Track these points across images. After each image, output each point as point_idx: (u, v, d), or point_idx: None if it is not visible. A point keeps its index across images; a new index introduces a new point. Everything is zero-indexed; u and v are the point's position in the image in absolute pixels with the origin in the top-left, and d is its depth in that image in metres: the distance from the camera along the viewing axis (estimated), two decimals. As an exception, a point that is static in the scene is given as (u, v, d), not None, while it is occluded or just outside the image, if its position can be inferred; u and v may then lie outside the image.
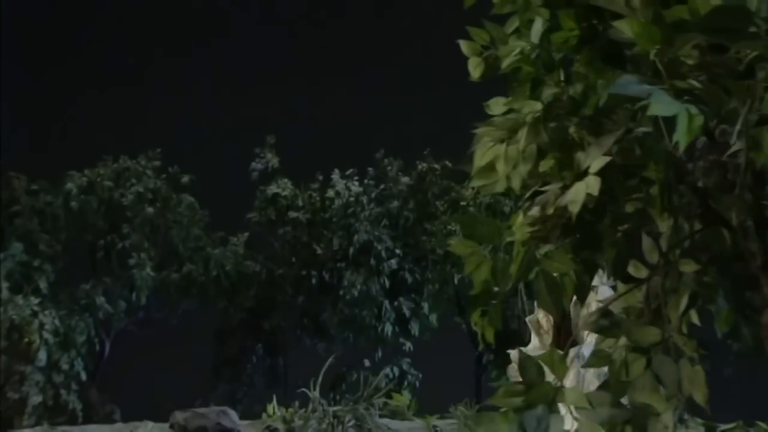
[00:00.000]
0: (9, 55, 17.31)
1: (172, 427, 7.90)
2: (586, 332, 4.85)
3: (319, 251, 15.69)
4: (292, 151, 16.88)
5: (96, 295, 15.40)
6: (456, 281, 15.67)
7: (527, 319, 5.17)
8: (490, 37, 2.20)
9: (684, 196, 1.91)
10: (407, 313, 15.34)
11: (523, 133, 1.97)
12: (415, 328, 15.43)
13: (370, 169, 16.06)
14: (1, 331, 14.17)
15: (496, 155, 2.00)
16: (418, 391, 15.20)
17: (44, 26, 18.97)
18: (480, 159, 2.03)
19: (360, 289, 15.16)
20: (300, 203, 16.12)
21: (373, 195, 15.60)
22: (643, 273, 1.94)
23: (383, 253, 15.26)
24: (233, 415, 7.99)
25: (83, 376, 15.47)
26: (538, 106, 2.00)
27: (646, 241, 1.93)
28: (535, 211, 1.81)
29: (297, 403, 8.46)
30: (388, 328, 15.24)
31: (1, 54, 16.73)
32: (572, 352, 4.87)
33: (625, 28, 1.69)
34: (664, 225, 1.93)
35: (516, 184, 2.02)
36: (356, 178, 16.13)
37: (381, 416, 7.84)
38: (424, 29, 18.48)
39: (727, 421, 10.74)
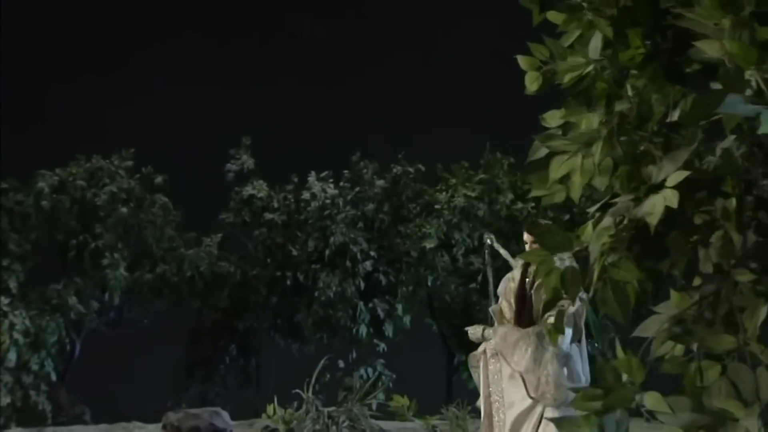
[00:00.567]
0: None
1: (164, 427, 7.92)
2: (545, 318, 4.84)
3: (294, 253, 15.73)
4: (266, 153, 16.90)
5: (68, 295, 15.24)
6: (429, 283, 15.84)
7: (491, 309, 5.24)
8: (549, 52, 2.31)
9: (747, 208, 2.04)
10: (381, 314, 15.46)
11: (598, 147, 2.07)
12: (389, 330, 15.56)
13: (345, 171, 16.16)
14: (-29, 331, 13.98)
15: (572, 168, 2.11)
16: (391, 392, 15.33)
17: (13, 20, 18.70)
18: (555, 171, 2.14)
19: (335, 291, 15.24)
20: (275, 205, 16.14)
21: (348, 197, 15.69)
22: (696, 281, 2.06)
23: (358, 255, 15.36)
24: (225, 415, 8.05)
25: (53, 377, 15.31)
26: (595, 120, 2.13)
27: (700, 251, 2.06)
28: (608, 222, 1.93)
29: (295, 404, 8.55)
30: (363, 330, 15.35)
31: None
32: (531, 330, 4.92)
33: (709, 48, 1.81)
34: (716, 235, 2.06)
35: (575, 194, 2.15)
36: (331, 180, 16.21)
37: (376, 417, 7.94)
38: (400, 34, 18.64)
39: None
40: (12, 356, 14.44)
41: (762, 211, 2.02)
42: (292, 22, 18.89)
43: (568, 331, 4.86)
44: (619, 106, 2.11)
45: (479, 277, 14.88)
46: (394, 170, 16.20)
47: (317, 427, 7.23)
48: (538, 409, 4.83)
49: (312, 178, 15.85)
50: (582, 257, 2.06)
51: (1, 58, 18.06)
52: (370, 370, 15.33)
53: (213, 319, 16.40)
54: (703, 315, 2.01)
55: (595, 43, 2.17)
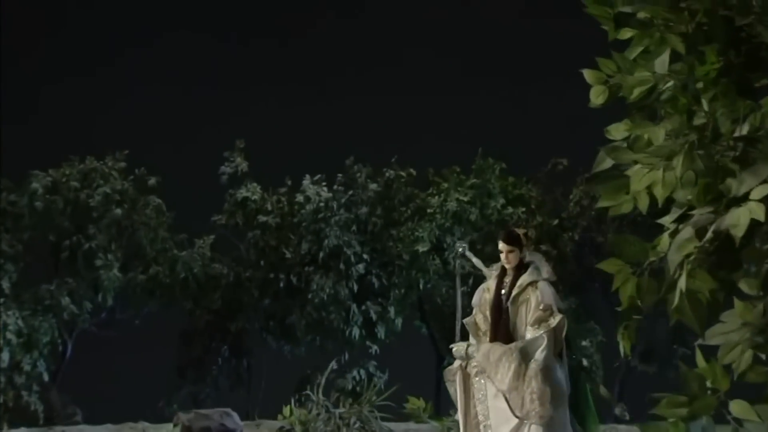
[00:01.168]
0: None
1: (175, 427, 8.02)
2: (525, 330, 4.83)
3: (287, 255, 15.84)
4: (259, 156, 17.00)
5: (61, 296, 15.25)
6: (421, 287, 16.03)
7: (465, 321, 5.13)
8: (616, 66, 2.42)
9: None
10: (374, 316, 15.62)
11: (679, 161, 2.17)
12: (381, 332, 15.71)
13: (339, 175, 16.29)
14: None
15: (654, 180, 2.23)
16: (383, 393, 15.50)
17: (4, 20, 18.65)
18: (638, 183, 2.27)
19: (328, 293, 15.38)
20: (269, 207, 16.24)
21: (342, 201, 15.83)
22: (754, 289, 2.21)
23: (352, 258, 15.51)
24: (236, 416, 8.17)
25: (45, 377, 15.31)
26: (661, 133, 2.27)
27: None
28: (688, 233, 2.08)
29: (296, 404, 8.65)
30: (356, 332, 15.49)
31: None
32: (514, 346, 4.82)
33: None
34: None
35: (643, 205, 2.30)
36: (324, 183, 16.34)
37: (386, 419, 8.09)
38: (394, 39, 18.81)
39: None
40: (5, 356, 14.44)
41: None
42: (287, 24, 19.01)
43: (551, 346, 4.80)
44: (696, 121, 2.23)
45: (470, 281, 15.10)
46: (387, 174, 16.37)
47: (329, 428, 7.37)
48: (525, 429, 4.73)
49: (306, 181, 15.97)
50: (655, 267, 2.20)
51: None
52: (362, 371, 15.48)
53: (205, 321, 16.47)
54: (752, 323, 2.12)
55: (664, 58, 2.30)
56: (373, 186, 16.07)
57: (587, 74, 2.56)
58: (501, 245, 5.09)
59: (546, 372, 4.75)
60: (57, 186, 16.04)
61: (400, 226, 16.13)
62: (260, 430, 8.63)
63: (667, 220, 2.28)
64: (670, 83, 2.30)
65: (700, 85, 2.21)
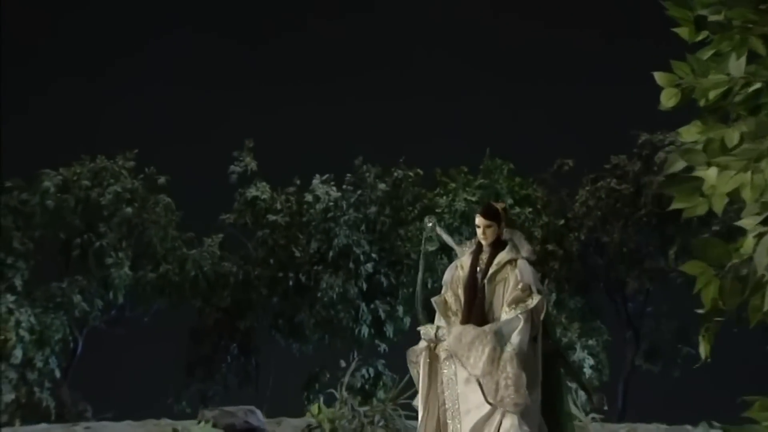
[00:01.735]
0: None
1: (199, 423, 8.14)
2: (502, 310, 4.61)
3: (297, 254, 15.98)
4: (268, 155, 17.13)
5: (72, 294, 15.36)
6: (429, 286, 16.17)
7: (433, 300, 4.77)
8: (690, 69, 2.42)
9: None
10: (383, 315, 15.78)
11: (767, 163, 2.21)
12: (390, 331, 15.88)
13: (348, 175, 16.44)
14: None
15: (742, 183, 2.27)
16: (390, 390, 15.66)
17: (15, 16, 18.73)
18: (723, 186, 2.30)
19: (338, 292, 15.53)
20: (278, 206, 16.38)
21: (351, 200, 15.99)
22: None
23: (361, 257, 15.67)
24: (259, 414, 8.29)
25: (57, 374, 15.43)
26: (735, 135, 2.34)
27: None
28: None
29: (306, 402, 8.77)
30: (365, 330, 15.65)
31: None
32: (488, 328, 4.54)
33: None
34: None
35: (719, 207, 2.38)
36: (333, 183, 16.49)
37: (410, 417, 8.23)
38: (404, 39, 18.94)
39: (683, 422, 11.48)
40: (18, 353, 14.55)
41: None
42: (296, 23, 19.13)
43: (527, 328, 4.57)
44: None
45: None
46: (395, 174, 16.52)
47: (353, 426, 7.49)
48: (497, 416, 4.47)
49: (316, 180, 16.12)
50: (738, 270, 2.31)
51: (2, 55, 18.08)
52: (371, 370, 15.64)
53: (214, 319, 16.59)
54: None
55: (741, 60, 2.30)
56: (382, 186, 16.22)
57: (659, 77, 2.59)
58: (478, 219, 4.82)
59: (522, 357, 4.53)
60: (68, 185, 16.16)
61: (408, 225, 16.30)
62: (281, 428, 8.76)
63: (748, 223, 2.34)
64: (756, 85, 2.32)
65: None
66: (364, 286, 15.70)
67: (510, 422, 4.45)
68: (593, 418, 8.35)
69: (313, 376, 16.19)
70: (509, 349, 4.52)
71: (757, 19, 2.32)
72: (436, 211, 16.00)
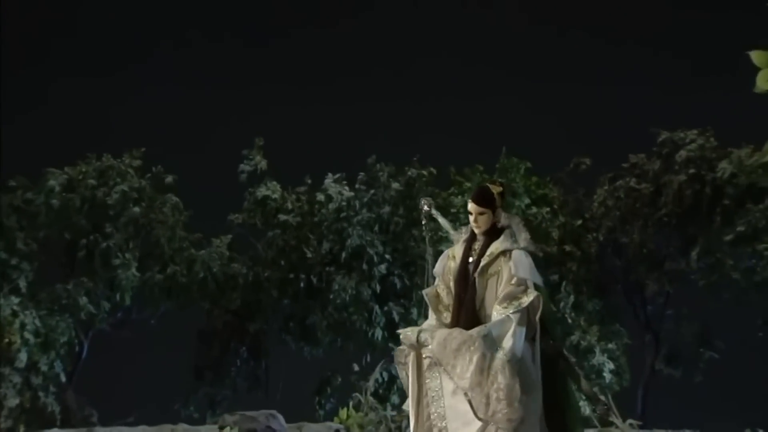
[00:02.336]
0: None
1: (221, 429, 7.83)
2: (493, 309, 4.14)
3: (308, 255, 15.61)
4: (278, 154, 16.79)
5: (78, 295, 14.99)
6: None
7: (424, 293, 4.41)
8: None
9: None
10: (396, 317, 15.39)
11: None
12: (404, 333, 15.47)
13: (361, 174, 16.08)
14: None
15: None
16: (403, 394, 15.29)
17: (21, 14, 18.40)
18: None
19: (350, 294, 15.16)
20: (289, 206, 16.02)
21: (365, 200, 15.61)
22: None
23: (375, 258, 15.29)
24: (281, 418, 8.02)
25: (62, 378, 15.06)
26: None
27: None
28: None
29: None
30: (378, 333, 15.27)
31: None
32: (476, 332, 4.02)
33: None
34: None
35: None
36: (345, 182, 16.13)
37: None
38: (416, 36, 18.61)
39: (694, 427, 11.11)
40: (23, 356, 14.18)
41: None
42: (307, 20, 18.81)
43: (521, 330, 4.07)
44: None
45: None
46: (409, 173, 16.15)
47: (381, 429, 7.15)
48: None
49: (328, 179, 15.76)
50: None
51: (8, 53, 17.75)
52: (385, 373, 15.24)
53: (223, 321, 16.23)
54: None
55: None
56: (395, 185, 15.85)
57: (755, 56, 2.38)
58: (470, 206, 4.35)
59: (515, 364, 4.00)
60: (73, 184, 15.81)
61: (421, 225, 15.89)
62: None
63: None
64: None
65: None
66: (378, 287, 15.31)
67: None
68: (630, 425, 7.98)
69: (324, 380, 15.82)
70: (500, 356, 4.01)
71: None
72: (451, 210, 15.62)
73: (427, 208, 4.77)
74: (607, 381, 14.54)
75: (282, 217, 15.89)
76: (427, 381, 4.15)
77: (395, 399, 14.83)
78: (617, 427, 7.35)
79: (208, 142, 17.75)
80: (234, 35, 18.96)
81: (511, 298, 4.16)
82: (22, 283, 14.84)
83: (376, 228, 15.55)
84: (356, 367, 15.14)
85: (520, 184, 15.68)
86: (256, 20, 19.24)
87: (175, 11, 18.92)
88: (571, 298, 15.26)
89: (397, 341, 15.14)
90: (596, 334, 14.92)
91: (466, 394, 4.01)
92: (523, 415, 3.97)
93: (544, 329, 4.24)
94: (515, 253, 4.23)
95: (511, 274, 4.20)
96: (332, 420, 8.63)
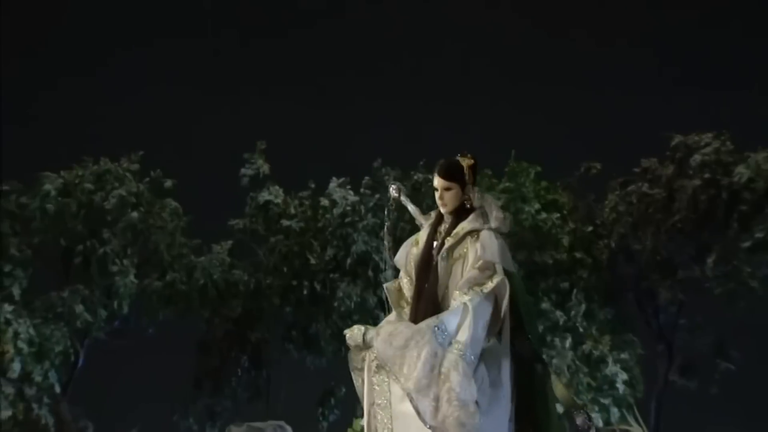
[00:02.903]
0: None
1: (229, 441, 7.40)
2: (454, 297, 3.57)
3: (312, 261, 15.16)
4: (280, 158, 16.37)
5: (74, 303, 14.50)
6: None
7: (385, 287, 4.01)
8: None
9: None
10: (402, 326, 14.93)
11: None
12: (409, 343, 15.03)
13: (366, 178, 15.65)
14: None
15: None
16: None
17: (16, 16, 17.98)
18: None
19: (355, 301, 14.72)
20: (292, 211, 15.58)
21: (370, 205, 15.18)
22: None
23: (381, 265, 14.84)
24: (289, 429, 7.62)
25: (57, 389, 14.57)
26: None
27: None
28: None
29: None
30: (384, 342, 14.80)
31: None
32: (425, 325, 3.47)
33: None
34: None
35: None
36: (349, 187, 15.71)
37: None
38: (422, 37, 18.25)
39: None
40: (16, 367, 13.69)
41: None
42: (308, 22, 18.42)
43: (482, 322, 3.46)
44: None
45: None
46: (415, 177, 15.72)
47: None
48: None
49: (333, 184, 15.33)
50: None
51: (4, 56, 17.32)
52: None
53: (224, 329, 15.76)
54: None
55: None
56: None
57: None
58: (435, 180, 3.81)
59: (470, 361, 3.40)
60: (69, 188, 15.35)
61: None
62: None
63: None
64: None
65: None
66: (384, 295, 14.85)
67: None
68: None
69: (328, 390, 15.36)
70: (455, 351, 3.41)
71: None
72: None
73: (396, 195, 4.20)
74: (621, 392, 14.10)
75: (285, 222, 15.45)
76: (375, 387, 3.55)
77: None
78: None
79: (208, 145, 17.32)
80: (235, 35, 18.56)
81: (473, 283, 3.58)
82: (16, 291, 14.36)
83: (382, 234, 15.09)
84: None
85: (530, 189, 15.27)
86: (257, 22, 18.85)
87: (174, 11, 18.52)
88: (582, 306, 14.83)
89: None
90: (608, 343, 14.48)
91: (412, 399, 3.38)
92: (482, 422, 3.34)
93: (518, 325, 3.64)
94: (484, 234, 3.69)
95: (477, 256, 3.65)
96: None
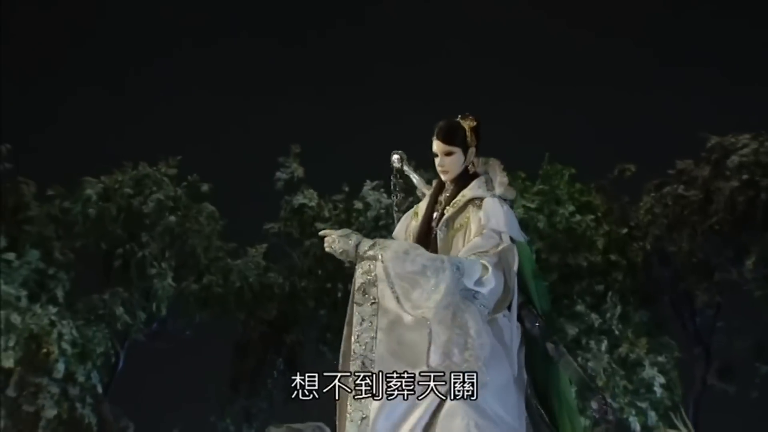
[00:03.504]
0: (10, 54, 16.73)
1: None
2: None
3: (346, 264, 15.25)
4: (314, 161, 16.51)
5: (114, 305, 14.81)
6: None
7: None
8: None
9: None
10: (436, 328, 14.99)
11: None
12: (443, 344, 15.08)
13: (399, 180, 15.70)
14: (20, 341, 13.58)
15: None
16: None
17: (51, 19, 18.37)
18: None
19: (389, 304, 14.78)
20: (326, 214, 15.72)
21: (403, 207, 15.23)
22: None
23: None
24: (328, 431, 7.71)
25: (99, 389, 14.88)
26: None
27: None
28: None
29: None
30: (418, 344, 14.87)
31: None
32: (447, 259, 3.16)
33: None
34: None
35: None
36: (383, 189, 15.78)
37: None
38: (453, 37, 18.27)
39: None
40: (60, 367, 14.01)
41: None
42: (343, 25, 18.55)
43: (499, 281, 3.12)
44: None
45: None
46: (447, 180, 15.77)
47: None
48: (429, 400, 2.98)
49: (367, 187, 15.44)
50: None
51: (40, 61, 17.71)
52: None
53: (260, 332, 15.95)
54: None
55: None
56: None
57: None
58: (435, 144, 3.52)
59: (485, 318, 3.01)
60: (109, 192, 15.67)
61: (462, 234, 15.52)
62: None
63: None
64: None
65: None
66: (417, 297, 14.92)
67: (455, 414, 2.80)
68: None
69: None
70: (475, 300, 3.06)
71: None
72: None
73: (398, 165, 3.95)
74: (658, 395, 14.01)
75: (319, 225, 15.56)
76: (357, 305, 3.23)
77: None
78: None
79: (243, 149, 17.52)
80: (268, 40, 18.75)
81: (475, 251, 3.22)
82: (60, 293, 14.70)
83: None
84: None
85: (564, 191, 15.23)
86: (289, 24, 19.02)
87: (209, 17, 18.78)
88: (618, 308, 14.75)
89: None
90: (645, 346, 14.38)
91: (420, 325, 2.93)
92: (486, 380, 2.92)
93: (527, 300, 3.35)
94: (488, 201, 3.42)
95: (481, 224, 3.35)
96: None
